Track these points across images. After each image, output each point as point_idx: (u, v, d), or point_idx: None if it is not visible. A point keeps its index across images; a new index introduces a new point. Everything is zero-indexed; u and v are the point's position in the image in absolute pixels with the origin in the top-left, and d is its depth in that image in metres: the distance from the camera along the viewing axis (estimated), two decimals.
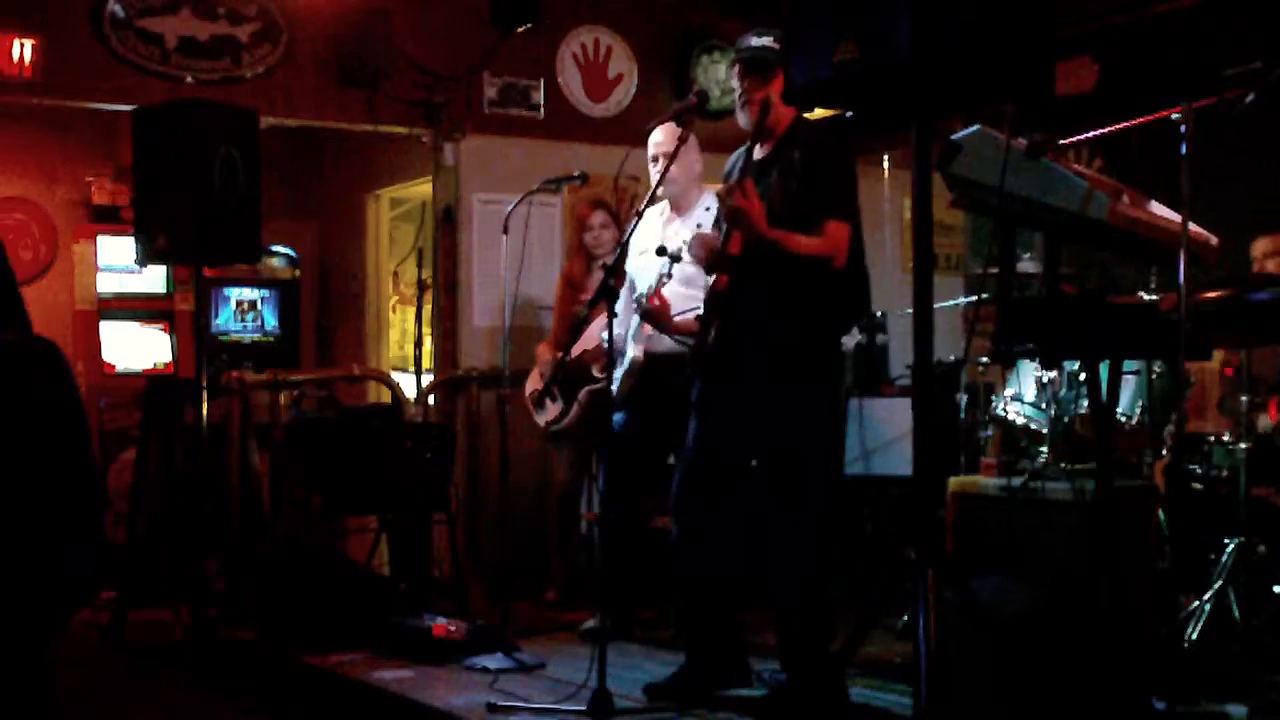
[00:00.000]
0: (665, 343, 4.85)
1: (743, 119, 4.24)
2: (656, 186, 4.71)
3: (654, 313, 4.63)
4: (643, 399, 5.12)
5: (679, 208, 5.10)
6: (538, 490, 6.50)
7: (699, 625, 4.40)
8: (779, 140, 4.22)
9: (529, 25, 6.75)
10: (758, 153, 4.26)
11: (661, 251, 4.44)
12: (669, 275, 4.53)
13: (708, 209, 4.71)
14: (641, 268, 5.00)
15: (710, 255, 4.23)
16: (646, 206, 4.59)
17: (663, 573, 5.16)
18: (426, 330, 6.61)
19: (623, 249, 4.55)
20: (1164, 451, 4.71)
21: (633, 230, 4.62)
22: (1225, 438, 4.78)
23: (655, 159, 5.02)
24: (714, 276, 4.26)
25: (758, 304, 4.12)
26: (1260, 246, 5.60)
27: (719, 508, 4.26)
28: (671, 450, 5.27)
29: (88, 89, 6.16)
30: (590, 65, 7.22)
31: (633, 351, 5.11)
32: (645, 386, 5.10)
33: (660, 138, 5.00)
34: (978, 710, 3.51)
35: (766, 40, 4.19)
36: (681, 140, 4.51)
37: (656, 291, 4.58)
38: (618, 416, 5.19)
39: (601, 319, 4.51)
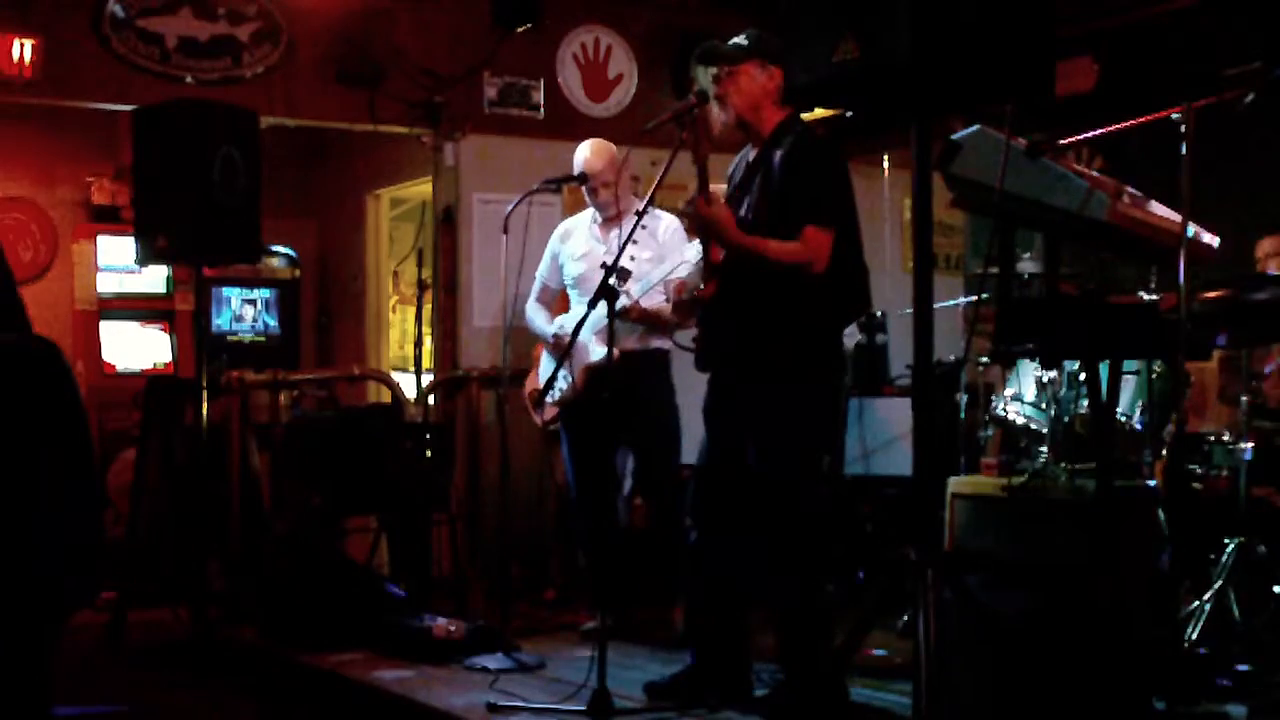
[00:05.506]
0: (631, 342, 5.09)
1: (719, 119, 4.23)
2: (645, 208, 4.61)
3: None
4: (594, 398, 5.12)
5: (614, 219, 5.20)
6: (538, 490, 6.50)
7: (708, 627, 4.38)
8: (765, 143, 4.19)
9: (529, 25, 6.75)
10: (751, 155, 4.25)
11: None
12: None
13: (637, 213, 4.65)
14: (585, 271, 5.23)
15: (682, 292, 4.31)
16: (643, 214, 4.56)
17: (659, 573, 5.18)
18: (426, 330, 6.61)
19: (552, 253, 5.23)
20: (1164, 451, 4.71)
21: (564, 237, 5.26)
22: (1225, 437, 4.79)
23: (594, 186, 5.24)
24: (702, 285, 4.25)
25: (746, 308, 4.12)
26: (1265, 246, 5.61)
27: (729, 513, 4.25)
28: (622, 441, 5.33)
29: (88, 89, 6.15)
30: (590, 65, 7.22)
31: (600, 349, 4.99)
32: (595, 386, 5.10)
33: (599, 165, 5.22)
34: (978, 710, 3.51)
35: (738, 39, 4.18)
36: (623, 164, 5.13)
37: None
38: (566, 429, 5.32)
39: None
